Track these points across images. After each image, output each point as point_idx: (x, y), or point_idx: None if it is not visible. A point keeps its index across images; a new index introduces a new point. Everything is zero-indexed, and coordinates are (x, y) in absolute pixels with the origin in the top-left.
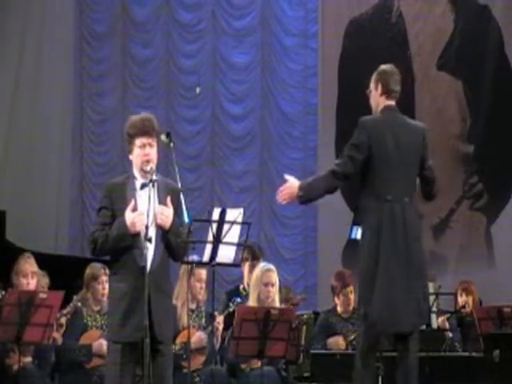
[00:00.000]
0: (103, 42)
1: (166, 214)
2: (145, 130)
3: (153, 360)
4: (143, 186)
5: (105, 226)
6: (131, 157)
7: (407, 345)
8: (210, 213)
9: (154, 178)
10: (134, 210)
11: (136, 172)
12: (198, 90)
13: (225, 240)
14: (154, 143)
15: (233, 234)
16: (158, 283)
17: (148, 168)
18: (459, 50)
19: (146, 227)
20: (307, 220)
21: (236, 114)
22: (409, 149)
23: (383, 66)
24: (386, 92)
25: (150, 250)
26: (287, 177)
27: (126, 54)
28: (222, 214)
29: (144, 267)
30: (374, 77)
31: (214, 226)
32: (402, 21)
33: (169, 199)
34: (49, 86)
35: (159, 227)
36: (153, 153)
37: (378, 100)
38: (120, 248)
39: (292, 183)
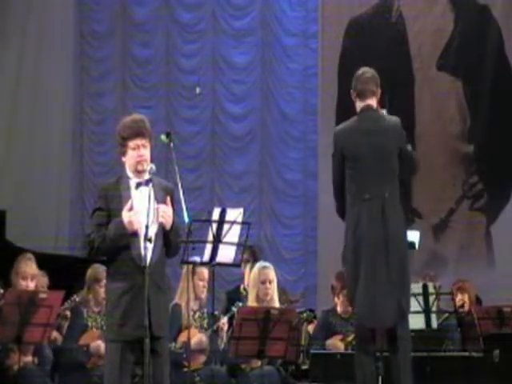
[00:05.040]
0: (103, 41)
1: (169, 214)
2: (138, 132)
3: (151, 357)
4: (138, 185)
5: (101, 227)
6: (124, 159)
7: (397, 345)
8: (210, 213)
9: (149, 176)
10: (131, 209)
11: (129, 173)
12: (197, 90)
13: (225, 240)
14: (148, 144)
15: (233, 234)
16: (156, 282)
17: (149, 168)
18: (459, 49)
19: (146, 227)
20: (307, 220)
21: (236, 113)
22: (382, 145)
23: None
24: (357, 94)
25: (149, 249)
26: None
27: (126, 53)
28: (222, 213)
29: (145, 267)
30: None
31: (214, 225)
32: (402, 21)
33: (168, 199)
34: (49, 86)
35: (161, 226)
36: (147, 153)
37: (355, 103)
38: (118, 248)
39: None
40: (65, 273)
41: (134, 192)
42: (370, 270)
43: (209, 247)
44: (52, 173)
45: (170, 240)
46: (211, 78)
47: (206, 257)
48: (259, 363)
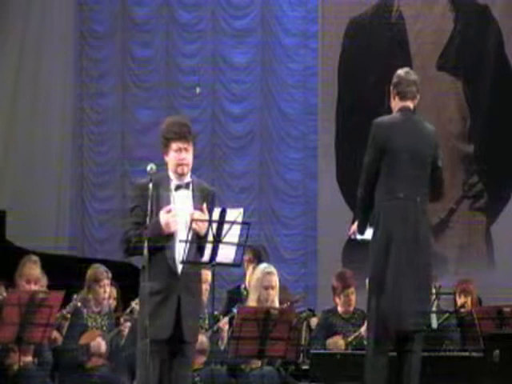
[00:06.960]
0: (103, 41)
1: (204, 222)
2: (182, 135)
3: (175, 359)
4: (178, 187)
5: (138, 226)
6: (166, 158)
7: (411, 346)
8: (210, 213)
9: (189, 179)
10: (169, 211)
11: (171, 173)
12: (197, 89)
13: (225, 240)
14: (190, 148)
15: (233, 234)
16: (188, 285)
17: (149, 168)
18: (459, 49)
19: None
20: (307, 220)
21: (236, 113)
22: (419, 149)
23: (399, 70)
24: (398, 94)
25: (183, 251)
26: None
27: (126, 54)
28: (222, 213)
29: (175, 268)
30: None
31: (214, 225)
32: (402, 21)
33: (205, 206)
34: (49, 86)
35: (194, 231)
36: (188, 157)
37: (393, 102)
38: (154, 249)
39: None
40: (65, 273)
41: (173, 193)
42: (399, 271)
43: (209, 247)
44: (52, 173)
45: (203, 246)
46: (211, 78)
47: (206, 257)
48: (259, 363)
